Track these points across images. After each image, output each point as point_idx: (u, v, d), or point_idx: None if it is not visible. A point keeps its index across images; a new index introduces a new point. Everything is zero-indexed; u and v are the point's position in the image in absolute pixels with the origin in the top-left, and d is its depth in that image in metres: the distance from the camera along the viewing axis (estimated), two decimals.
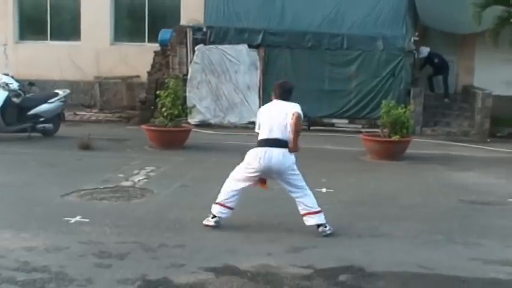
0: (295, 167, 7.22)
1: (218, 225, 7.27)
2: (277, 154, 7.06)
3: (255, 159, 7.16)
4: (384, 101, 13.58)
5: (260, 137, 7.30)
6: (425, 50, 19.12)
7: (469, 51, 20.76)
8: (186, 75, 17.90)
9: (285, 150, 7.09)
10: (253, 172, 7.25)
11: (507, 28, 18.80)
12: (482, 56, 20.16)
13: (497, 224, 7.99)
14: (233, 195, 7.33)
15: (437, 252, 6.65)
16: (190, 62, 18.06)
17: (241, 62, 18.07)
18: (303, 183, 7.27)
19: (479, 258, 6.48)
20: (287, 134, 7.09)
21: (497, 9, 18.66)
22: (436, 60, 19.32)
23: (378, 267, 6.04)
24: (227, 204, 7.31)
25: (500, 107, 18.59)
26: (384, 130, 13.11)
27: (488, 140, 17.29)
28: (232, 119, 18.03)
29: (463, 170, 12.25)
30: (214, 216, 7.31)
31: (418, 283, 5.74)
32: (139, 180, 9.91)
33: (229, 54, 18.03)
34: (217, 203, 7.34)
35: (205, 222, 7.32)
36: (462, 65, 20.89)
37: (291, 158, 7.17)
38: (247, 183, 7.36)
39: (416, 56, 18.17)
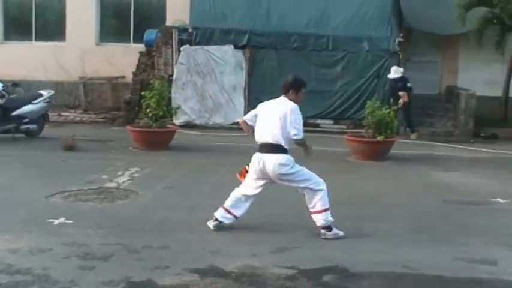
0: (292, 168, 7.01)
1: (216, 230, 7.18)
2: (269, 161, 6.97)
3: (254, 163, 7.12)
4: (368, 102, 13.64)
5: (256, 138, 7.23)
6: (398, 71, 17.04)
7: (453, 52, 20.93)
8: (172, 76, 17.91)
9: (278, 156, 6.97)
10: (255, 177, 7.17)
11: (491, 29, 18.97)
12: (466, 56, 20.36)
13: (481, 224, 8.05)
14: (238, 201, 7.26)
15: (420, 252, 6.69)
16: (176, 62, 18.05)
17: (227, 62, 18.08)
18: (306, 178, 7.07)
19: (462, 257, 6.52)
20: (280, 137, 6.96)
21: (481, 11, 18.84)
22: (409, 85, 17.04)
23: (362, 267, 6.06)
24: (231, 210, 7.25)
25: (483, 108, 18.72)
26: (369, 131, 13.17)
27: (472, 140, 17.41)
28: (218, 119, 18.03)
29: (446, 170, 12.34)
30: (216, 220, 7.25)
31: (402, 283, 5.77)
32: (123, 182, 9.88)
33: (215, 55, 18.03)
34: (223, 207, 7.28)
35: (208, 223, 7.26)
36: (446, 65, 21.05)
37: (286, 163, 6.99)
38: (254, 190, 7.23)
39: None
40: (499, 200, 9.57)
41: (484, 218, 8.42)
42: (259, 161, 7.03)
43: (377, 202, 9.04)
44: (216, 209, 7.31)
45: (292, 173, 7.04)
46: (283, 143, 6.98)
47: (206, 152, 13.35)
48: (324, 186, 7.10)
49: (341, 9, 18.57)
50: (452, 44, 20.76)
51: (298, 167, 7.08)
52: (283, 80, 7.38)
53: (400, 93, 15.39)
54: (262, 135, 7.09)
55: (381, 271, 6.01)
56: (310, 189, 7.08)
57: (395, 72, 16.82)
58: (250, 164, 7.18)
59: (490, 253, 6.72)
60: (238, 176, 7.46)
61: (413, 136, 17.06)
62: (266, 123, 7.08)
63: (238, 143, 15.02)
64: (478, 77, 19.65)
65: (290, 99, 7.12)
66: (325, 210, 7.07)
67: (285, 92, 7.18)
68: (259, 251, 6.47)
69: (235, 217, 7.28)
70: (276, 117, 7.00)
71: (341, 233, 7.10)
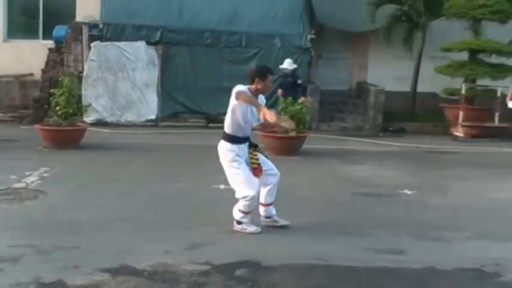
0: (228, 160, 7.02)
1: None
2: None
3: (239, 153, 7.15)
4: (281, 98, 13.79)
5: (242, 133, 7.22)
6: (290, 63, 16.52)
7: (363, 48, 21.42)
8: (82, 72, 17.57)
9: (221, 142, 7.13)
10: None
11: (399, 26, 19.59)
12: (375, 53, 20.88)
13: (389, 215, 8.27)
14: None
15: (331, 244, 6.81)
16: (86, 59, 17.71)
17: (139, 59, 17.90)
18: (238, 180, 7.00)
19: (371, 248, 6.69)
20: (227, 123, 7.04)
21: (390, 8, 19.45)
22: (299, 82, 16.52)
23: (274, 260, 6.11)
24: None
25: (392, 103, 19.29)
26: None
27: (381, 135, 17.92)
28: (130, 117, 17.82)
29: (356, 163, 12.64)
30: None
31: (313, 274, 5.85)
32: (32, 182, 9.60)
33: (127, 51, 17.82)
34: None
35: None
36: (356, 62, 21.54)
37: (225, 149, 7.06)
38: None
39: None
40: (406, 191, 9.86)
41: (392, 210, 8.65)
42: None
43: (290, 196, 9.10)
44: (127, 207, 7.22)
45: (229, 163, 7.12)
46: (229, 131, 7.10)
47: (118, 150, 13.15)
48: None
49: (254, 6, 18.75)
50: (362, 40, 21.25)
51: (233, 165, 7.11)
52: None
53: (302, 98, 14.70)
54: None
55: (293, 263, 6.09)
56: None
57: (288, 65, 16.40)
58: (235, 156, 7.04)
59: (397, 243, 6.91)
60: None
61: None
62: None
63: (151, 140, 14.93)
64: (387, 73, 20.19)
65: (257, 89, 6.99)
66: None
67: (251, 83, 7.04)
68: (172, 248, 6.44)
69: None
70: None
71: (252, 229, 7.17)
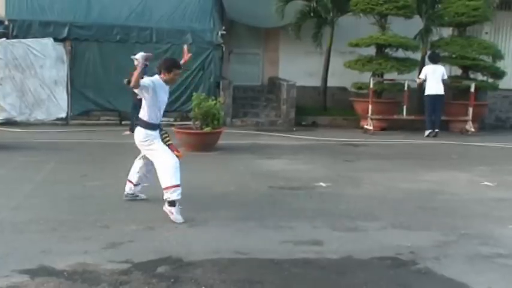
0: (147, 141, 7.73)
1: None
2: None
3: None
4: (194, 94, 13.79)
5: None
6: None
7: (274, 44, 21.67)
8: None
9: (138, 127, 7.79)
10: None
11: (308, 22, 19.93)
12: (286, 48, 21.17)
13: (306, 207, 8.41)
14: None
15: (251, 238, 6.89)
16: None
17: (47, 56, 17.48)
18: (161, 153, 7.67)
19: (290, 240, 6.80)
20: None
21: (299, 4, 19.76)
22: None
23: (195, 256, 6.14)
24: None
25: (304, 97, 19.65)
26: (196, 122, 13.33)
27: (294, 129, 18.20)
28: (39, 115, 17.40)
29: (271, 157, 12.79)
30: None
31: (234, 268, 5.91)
32: None
33: (34, 49, 17.36)
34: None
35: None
36: (267, 57, 21.76)
37: (140, 133, 7.73)
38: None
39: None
40: (321, 183, 10.06)
41: (308, 202, 8.80)
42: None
43: (207, 191, 9.17)
44: (42, 207, 7.05)
45: (148, 145, 7.80)
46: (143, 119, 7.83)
47: (28, 150, 12.79)
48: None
49: (163, 1, 18.64)
50: (272, 36, 21.49)
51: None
52: None
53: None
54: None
55: (214, 258, 6.12)
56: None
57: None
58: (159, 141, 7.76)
59: (315, 234, 7.06)
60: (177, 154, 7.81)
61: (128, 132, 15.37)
62: None
63: (63, 139, 14.61)
64: (298, 68, 20.54)
65: (164, 80, 7.73)
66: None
67: (159, 74, 7.73)
68: (92, 247, 6.35)
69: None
70: None
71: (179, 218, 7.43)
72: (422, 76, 17.65)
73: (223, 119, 14.31)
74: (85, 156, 12.38)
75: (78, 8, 18.23)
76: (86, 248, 6.31)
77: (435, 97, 17.29)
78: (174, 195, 7.45)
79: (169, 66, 7.71)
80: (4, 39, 17.22)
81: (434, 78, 17.36)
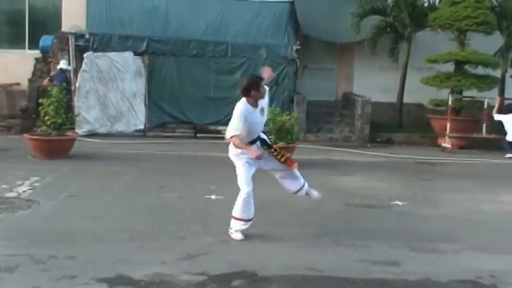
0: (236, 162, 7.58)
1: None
2: None
3: None
4: (268, 108, 13.80)
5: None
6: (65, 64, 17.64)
7: (348, 59, 21.51)
8: (69, 82, 17.48)
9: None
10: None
11: (384, 37, 19.70)
12: (361, 63, 20.97)
13: (382, 226, 8.29)
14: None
15: (325, 255, 6.83)
16: (73, 68, 17.66)
17: (128, 69, 17.92)
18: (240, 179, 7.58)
19: (366, 259, 6.71)
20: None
21: (375, 19, 19.54)
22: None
23: (269, 271, 6.12)
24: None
25: (379, 113, 19.40)
26: (270, 137, 13.33)
27: (369, 145, 17.99)
28: (120, 127, 17.83)
29: (346, 174, 12.67)
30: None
31: (308, 285, 5.86)
32: (24, 191, 9.54)
33: (117, 62, 17.84)
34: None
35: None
36: (342, 72, 21.61)
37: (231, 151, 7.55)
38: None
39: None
40: (397, 202, 9.91)
41: (384, 221, 8.68)
42: None
43: (282, 207, 9.14)
44: (121, 217, 7.18)
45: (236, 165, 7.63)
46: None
47: (108, 160, 13.10)
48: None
49: (239, 17, 18.85)
50: (347, 51, 21.35)
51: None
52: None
53: None
54: None
55: (288, 274, 6.09)
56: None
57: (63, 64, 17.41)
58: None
59: (393, 255, 6.94)
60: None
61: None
62: None
63: (140, 150, 14.90)
64: (372, 83, 20.30)
65: (255, 98, 7.43)
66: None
67: (246, 94, 7.43)
68: (168, 258, 6.43)
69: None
70: None
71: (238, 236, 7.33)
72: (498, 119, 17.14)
73: (296, 134, 14.28)
74: (162, 168, 12.58)
75: (156, 23, 18.62)
76: (162, 259, 6.39)
77: None
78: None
79: (256, 82, 7.46)
80: (90, 52, 17.71)
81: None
